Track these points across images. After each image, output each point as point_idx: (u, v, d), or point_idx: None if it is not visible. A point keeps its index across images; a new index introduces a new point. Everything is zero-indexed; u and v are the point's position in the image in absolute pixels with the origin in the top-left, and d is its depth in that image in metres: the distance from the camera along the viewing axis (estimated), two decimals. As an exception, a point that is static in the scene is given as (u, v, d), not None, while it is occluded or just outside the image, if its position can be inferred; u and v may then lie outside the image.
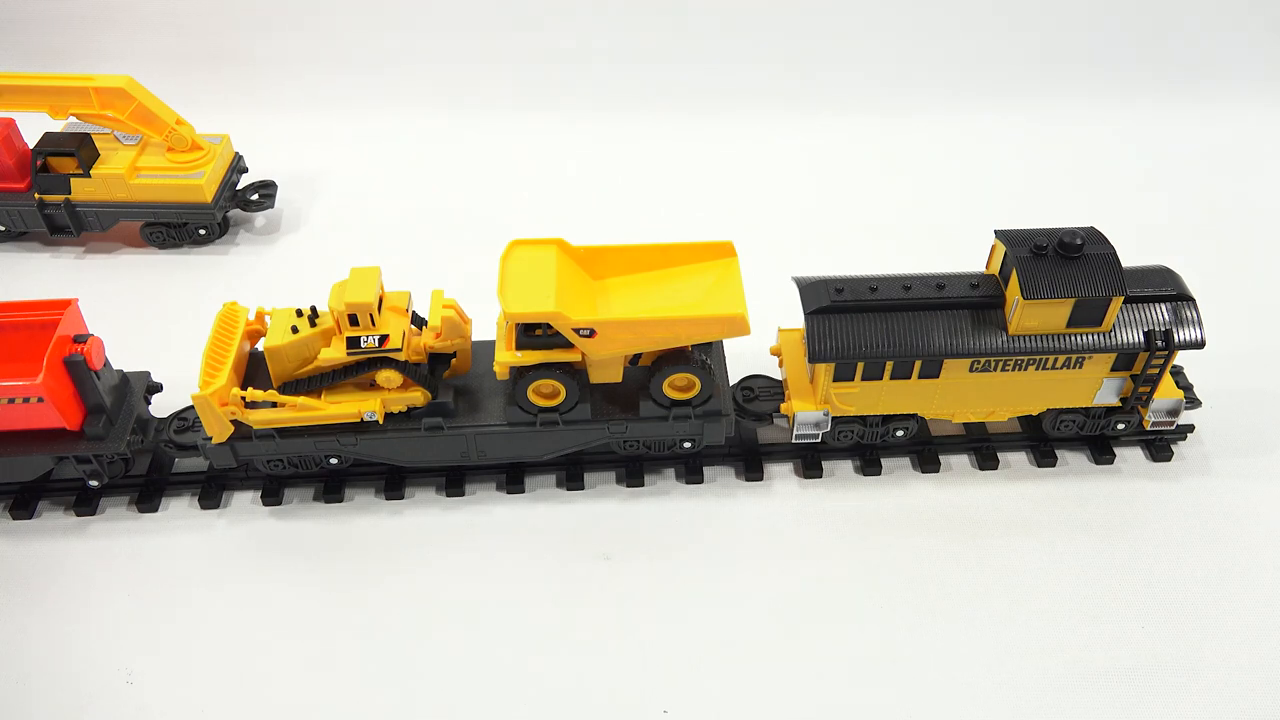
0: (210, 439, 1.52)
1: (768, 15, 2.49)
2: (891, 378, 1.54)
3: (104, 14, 2.54)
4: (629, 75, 2.50)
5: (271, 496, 1.62)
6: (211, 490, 1.63)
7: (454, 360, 1.57)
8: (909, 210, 2.22)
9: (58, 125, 2.04)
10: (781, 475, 1.67)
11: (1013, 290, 1.49)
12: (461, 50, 2.53)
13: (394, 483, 1.65)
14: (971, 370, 1.54)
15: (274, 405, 1.50)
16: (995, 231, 1.56)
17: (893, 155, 2.35)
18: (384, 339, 1.46)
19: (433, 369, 1.55)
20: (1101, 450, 1.69)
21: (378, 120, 2.48)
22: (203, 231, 2.07)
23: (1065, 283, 1.46)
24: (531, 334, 1.47)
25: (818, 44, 2.51)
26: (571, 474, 1.65)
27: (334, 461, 1.59)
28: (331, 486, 1.64)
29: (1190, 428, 1.70)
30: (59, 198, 2.01)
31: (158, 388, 1.63)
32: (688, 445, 1.62)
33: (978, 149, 2.38)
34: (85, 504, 1.62)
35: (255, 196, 2.13)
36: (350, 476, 1.65)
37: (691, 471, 1.66)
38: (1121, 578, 1.50)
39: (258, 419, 1.51)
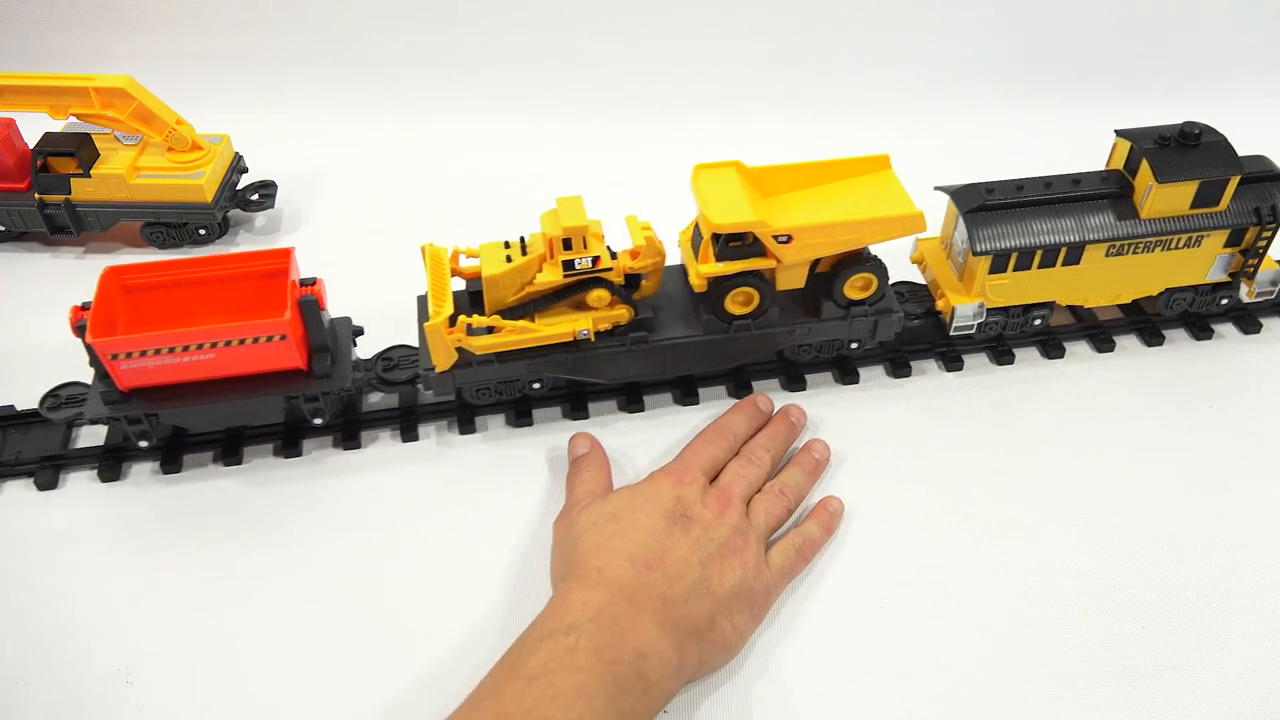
0: (432, 369, 1.63)
1: (768, 15, 2.58)
2: (1039, 267, 1.72)
3: (104, 14, 2.55)
4: (629, 76, 2.55)
5: (520, 418, 1.74)
6: (409, 425, 1.73)
7: (643, 282, 1.70)
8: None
9: (58, 125, 2.05)
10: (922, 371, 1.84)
11: (1143, 178, 1.68)
12: (462, 50, 2.56)
13: (579, 404, 1.77)
14: (1107, 255, 1.73)
15: (490, 331, 1.62)
16: (1116, 131, 1.75)
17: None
18: (596, 260, 1.59)
19: (627, 289, 1.67)
20: (1200, 328, 1.90)
21: (378, 120, 2.50)
22: (203, 231, 2.09)
23: (1190, 167, 1.66)
24: (729, 245, 1.61)
25: (821, 45, 2.60)
26: (739, 382, 1.80)
27: (536, 386, 1.71)
28: (522, 412, 1.75)
29: (1283, 299, 1.90)
30: (59, 198, 2.02)
31: (360, 331, 1.72)
32: (854, 346, 1.77)
33: (976, 148, 2.42)
34: (293, 445, 1.70)
35: (255, 196, 2.16)
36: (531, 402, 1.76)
37: (848, 373, 1.82)
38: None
39: (479, 345, 1.62)
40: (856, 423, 1.73)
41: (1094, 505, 1.59)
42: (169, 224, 2.07)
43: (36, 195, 2.02)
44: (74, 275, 2.04)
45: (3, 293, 2.02)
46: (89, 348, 1.51)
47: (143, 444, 1.63)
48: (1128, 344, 1.89)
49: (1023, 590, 1.47)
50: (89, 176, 2.00)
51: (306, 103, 2.52)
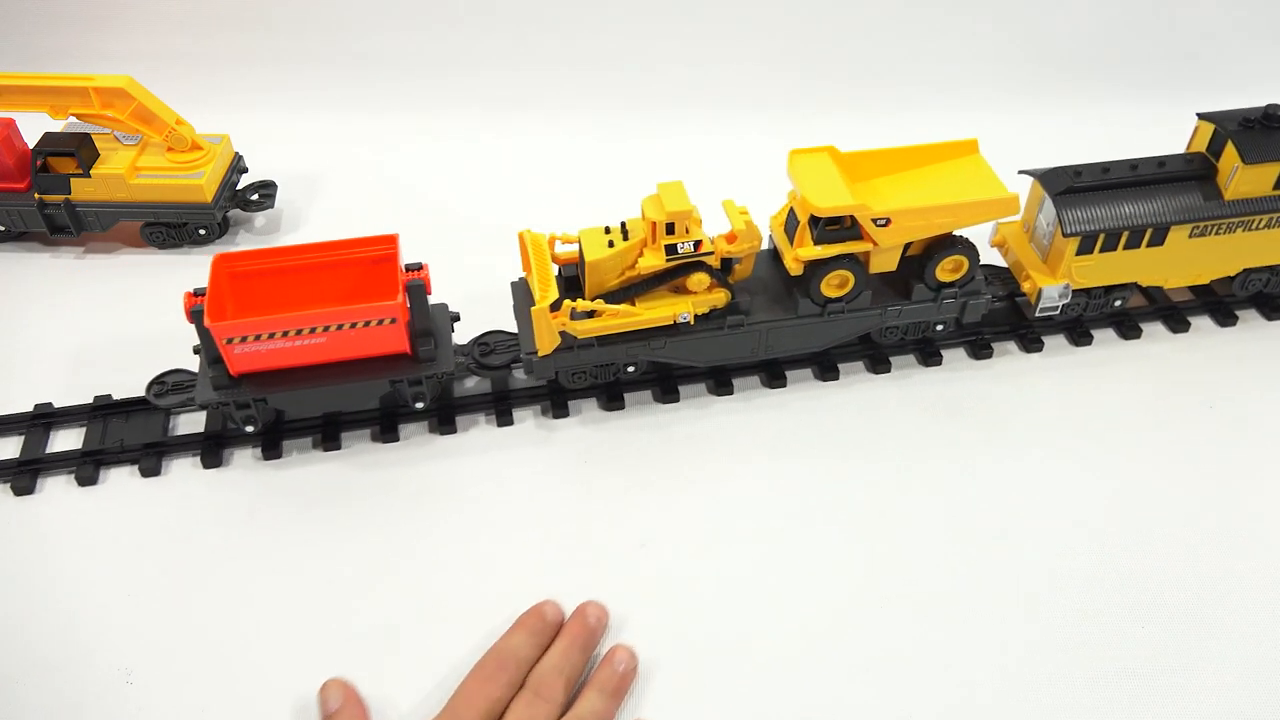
0: (535, 353, 1.65)
1: (768, 15, 2.56)
2: (1124, 248, 1.75)
3: (104, 14, 2.53)
4: (629, 76, 2.54)
5: (612, 401, 1.76)
6: (504, 410, 1.76)
7: (737, 266, 1.72)
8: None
9: (58, 125, 2.04)
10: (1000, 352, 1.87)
11: (1228, 160, 1.71)
12: (462, 50, 2.55)
13: (668, 387, 1.79)
14: (1191, 236, 1.76)
15: (591, 315, 1.64)
16: (1198, 114, 1.79)
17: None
18: (697, 244, 1.61)
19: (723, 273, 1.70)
20: (1274, 308, 1.93)
21: (378, 120, 2.48)
22: (203, 231, 2.07)
23: (1275, 148, 1.69)
24: (827, 229, 1.63)
25: (826, 45, 2.58)
26: (826, 365, 1.82)
27: (630, 369, 1.73)
28: (614, 395, 1.78)
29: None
30: (59, 198, 2.01)
31: (457, 317, 1.75)
32: (940, 328, 1.80)
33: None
34: (390, 430, 1.72)
35: (255, 196, 2.15)
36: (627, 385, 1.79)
37: (930, 355, 1.85)
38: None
39: (582, 329, 1.64)
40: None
41: (1106, 501, 1.60)
42: (169, 224, 2.06)
43: (36, 195, 2.00)
44: (74, 275, 2.04)
45: (3, 293, 2.00)
46: (203, 332, 1.53)
47: (249, 429, 1.65)
48: (1201, 324, 1.92)
49: (1022, 590, 1.47)
50: (89, 176, 1.98)
51: (306, 103, 2.50)
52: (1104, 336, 1.89)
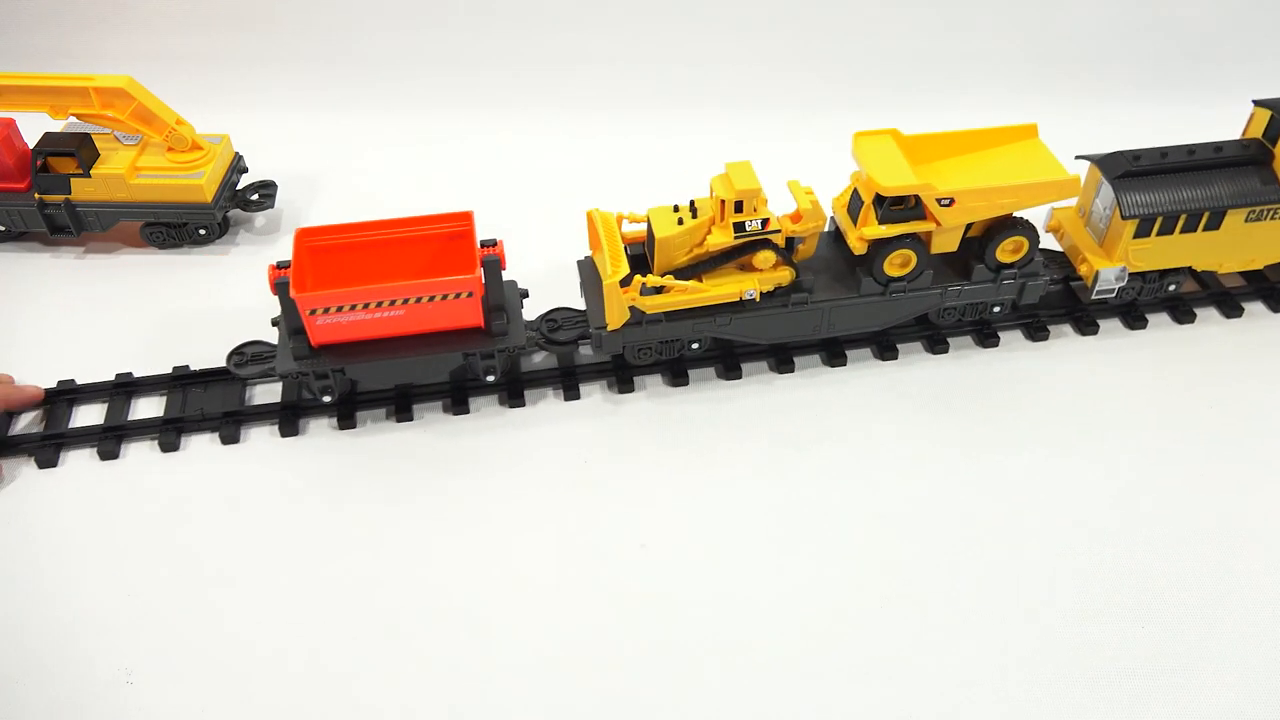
0: (604, 327, 1.69)
1: (765, 14, 2.57)
2: (1181, 231, 1.78)
3: (104, 14, 2.53)
4: (629, 76, 2.55)
5: (677, 378, 1.80)
6: (571, 384, 1.80)
7: (800, 246, 1.76)
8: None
9: (58, 125, 2.04)
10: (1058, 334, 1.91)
11: (1286, 144, 1.74)
12: (463, 50, 2.55)
13: (731, 364, 1.83)
14: (1247, 220, 1.79)
15: (660, 291, 1.68)
16: (1254, 101, 1.82)
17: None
18: (765, 222, 1.65)
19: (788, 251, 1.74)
20: (1320, 294, 1.95)
21: (378, 120, 2.48)
22: (203, 231, 2.05)
23: (1332, 133, 1.72)
24: (891, 209, 1.67)
25: (827, 45, 2.59)
26: (885, 344, 1.86)
27: (695, 346, 1.77)
28: (679, 372, 1.82)
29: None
30: (59, 198, 2.01)
31: (526, 293, 1.79)
32: (996, 310, 1.84)
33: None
34: (461, 403, 1.77)
35: (255, 196, 2.14)
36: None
37: (987, 336, 1.88)
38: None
39: (651, 304, 1.68)
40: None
41: (1111, 496, 1.61)
42: (169, 224, 2.06)
43: (36, 195, 2.00)
44: (74, 275, 2.05)
45: (2, 293, 2.02)
46: (286, 304, 1.58)
47: (326, 399, 1.70)
48: (1254, 309, 1.95)
49: (1023, 590, 1.47)
50: (89, 176, 1.97)
51: (306, 103, 2.50)
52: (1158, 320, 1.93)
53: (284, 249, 2.11)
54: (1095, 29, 2.60)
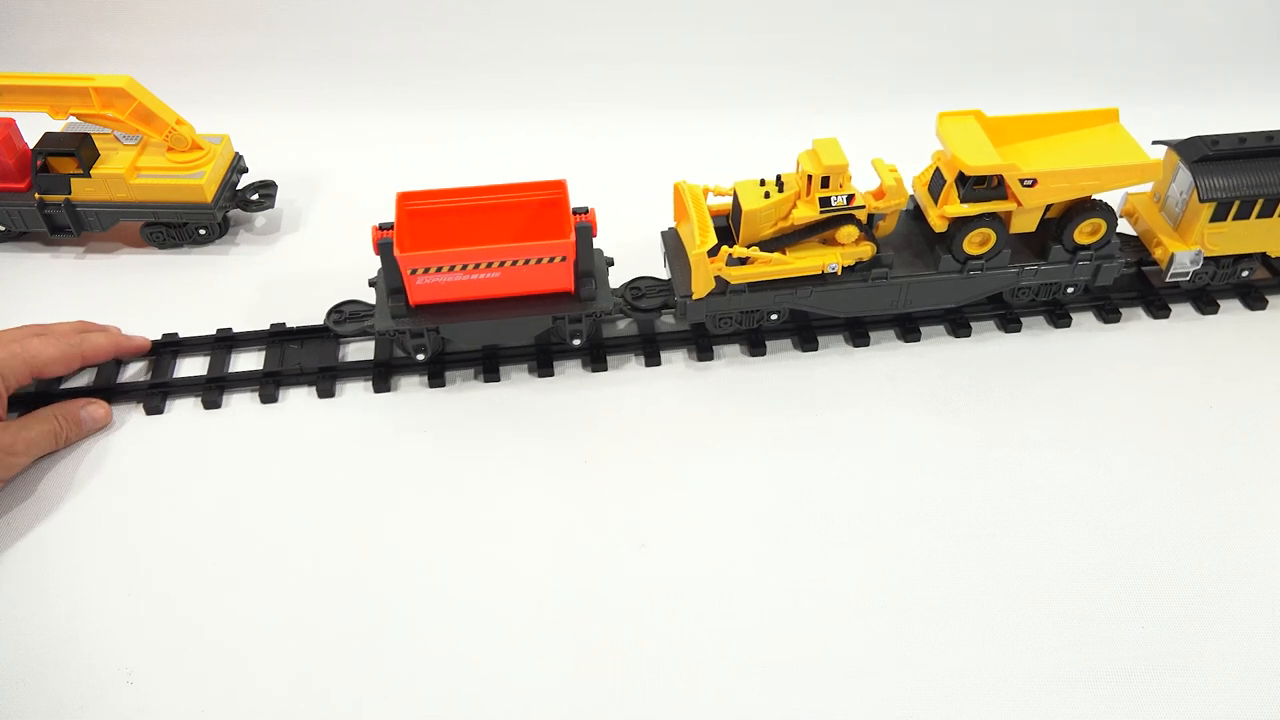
0: (689, 296, 1.75)
1: (765, 15, 2.55)
2: (1258, 216, 1.81)
3: (104, 14, 2.53)
4: (630, 76, 2.55)
5: (755, 347, 1.86)
6: (652, 351, 1.86)
7: (881, 222, 1.80)
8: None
9: (58, 125, 2.04)
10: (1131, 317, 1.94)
11: (1367, 133, 1.77)
12: (463, 50, 2.55)
13: (808, 336, 1.88)
14: (1323, 207, 1.81)
15: (745, 262, 1.73)
16: (1333, 90, 1.84)
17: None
18: (850, 198, 1.70)
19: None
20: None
21: (378, 120, 2.49)
22: (203, 231, 2.06)
23: None
24: (974, 187, 1.71)
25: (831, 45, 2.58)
26: (958, 321, 1.90)
27: (774, 317, 1.83)
28: (756, 342, 1.87)
29: None
30: (59, 198, 1.98)
31: (611, 262, 1.85)
32: (1070, 290, 1.87)
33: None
34: (546, 365, 1.83)
35: (255, 196, 2.14)
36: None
37: (1059, 316, 1.92)
38: None
39: (736, 274, 1.74)
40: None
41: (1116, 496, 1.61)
42: (169, 224, 2.05)
43: (36, 195, 1.99)
44: (75, 275, 2.06)
45: (3, 293, 2.02)
46: (388, 263, 1.65)
47: (420, 357, 1.77)
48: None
49: (1022, 590, 1.48)
50: (89, 177, 1.96)
51: (306, 103, 2.51)
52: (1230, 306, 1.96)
53: (284, 249, 2.12)
54: (1094, 32, 2.58)
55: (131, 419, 1.75)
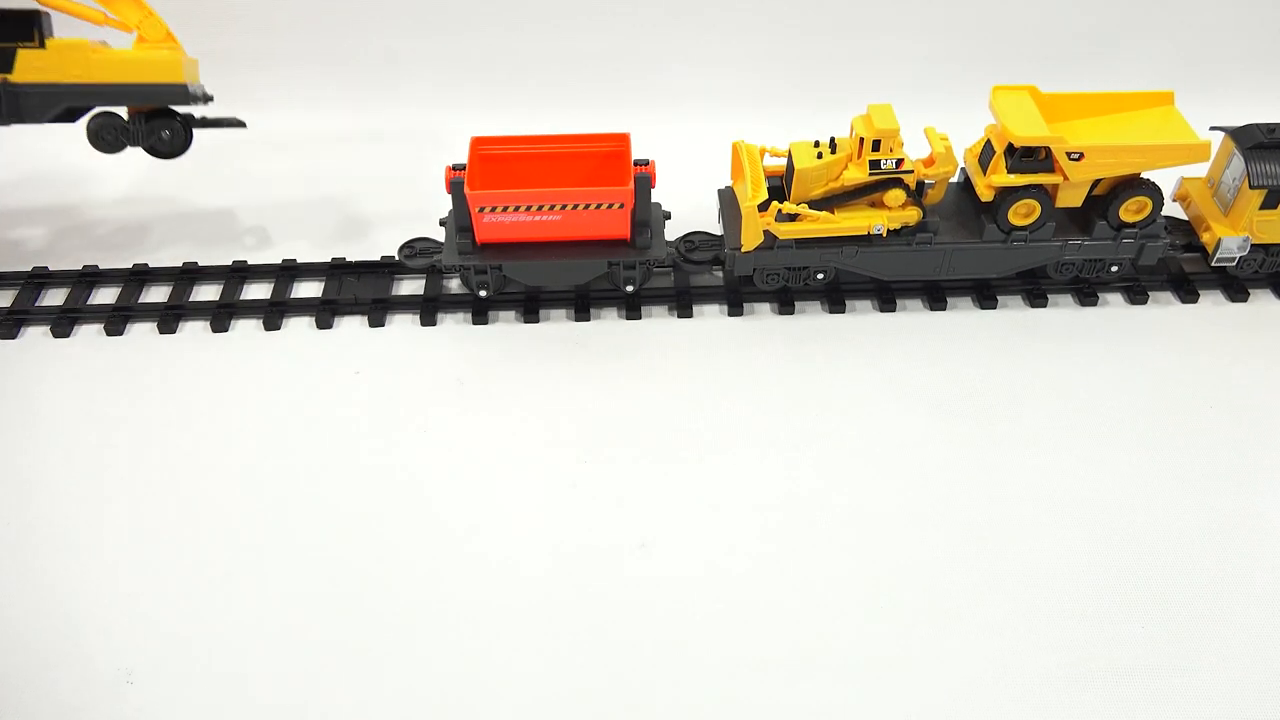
0: (738, 248, 1.84)
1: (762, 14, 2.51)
2: (1308, 204, 1.83)
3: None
4: (630, 76, 2.54)
5: (784, 306, 1.93)
6: (685, 304, 1.93)
7: (929, 190, 1.86)
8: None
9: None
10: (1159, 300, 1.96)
11: None
12: (465, 50, 2.55)
13: (836, 299, 1.93)
14: (1374, 200, 1.82)
15: (792, 219, 1.81)
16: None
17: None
18: (899, 162, 1.77)
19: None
20: None
21: (378, 120, 2.50)
22: (166, 134, 1.84)
23: None
24: (1022, 159, 1.77)
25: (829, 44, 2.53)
26: (986, 294, 1.94)
27: (820, 276, 1.90)
28: (786, 301, 1.93)
29: None
30: None
31: (668, 215, 1.94)
32: (1114, 269, 1.91)
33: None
34: (584, 310, 1.89)
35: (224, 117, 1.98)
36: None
37: (1086, 295, 1.94)
38: None
39: (785, 230, 1.82)
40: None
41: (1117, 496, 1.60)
42: (126, 123, 1.81)
43: None
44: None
45: None
46: (459, 201, 1.77)
47: (482, 293, 1.88)
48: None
49: (1023, 590, 1.47)
50: (43, 48, 1.70)
51: (306, 102, 2.51)
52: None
53: (283, 249, 2.10)
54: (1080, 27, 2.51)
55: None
